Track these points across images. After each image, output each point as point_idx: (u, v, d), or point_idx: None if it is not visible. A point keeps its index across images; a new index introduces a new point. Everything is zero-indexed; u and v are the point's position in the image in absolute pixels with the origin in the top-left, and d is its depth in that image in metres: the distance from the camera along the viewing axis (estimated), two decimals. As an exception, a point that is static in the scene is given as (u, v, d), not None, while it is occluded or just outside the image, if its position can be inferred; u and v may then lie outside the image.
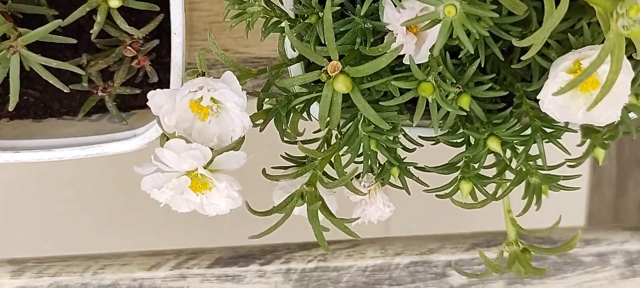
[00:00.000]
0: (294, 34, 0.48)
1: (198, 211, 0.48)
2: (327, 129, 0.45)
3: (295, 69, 0.52)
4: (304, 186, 0.47)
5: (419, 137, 0.51)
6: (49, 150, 0.54)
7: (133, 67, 0.54)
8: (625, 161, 0.96)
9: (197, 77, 0.46)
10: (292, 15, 0.49)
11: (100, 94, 0.54)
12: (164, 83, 0.58)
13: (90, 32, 0.55)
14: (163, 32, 0.56)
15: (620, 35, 0.36)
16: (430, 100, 0.44)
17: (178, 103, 0.45)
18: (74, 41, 0.50)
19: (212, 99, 0.45)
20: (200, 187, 0.45)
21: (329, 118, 0.44)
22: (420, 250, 0.76)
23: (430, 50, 0.43)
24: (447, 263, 0.76)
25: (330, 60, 0.43)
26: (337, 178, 0.48)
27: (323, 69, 0.43)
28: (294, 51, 0.51)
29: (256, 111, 0.49)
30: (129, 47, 0.52)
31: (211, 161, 0.45)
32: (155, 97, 0.45)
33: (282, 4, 0.49)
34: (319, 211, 0.47)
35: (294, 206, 0.46)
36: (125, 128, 0.56)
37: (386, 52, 0.42)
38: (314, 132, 0.52)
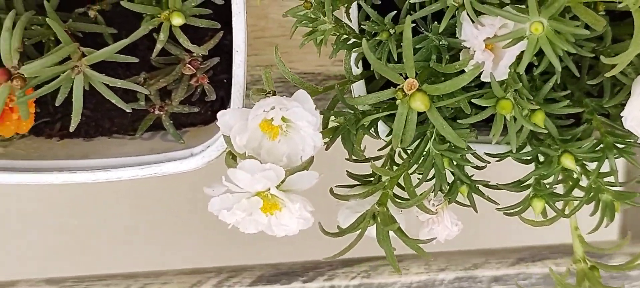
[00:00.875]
0: (362, 51, 0.47)
1: (265, 232, 0.47)
2: (399, 147, 0.45)
3: (358, 86, 0.51)
4: (376, 206, 0.46)
5: (485, 153, 0.50)
6: (106, 170, 0.53)
7: (191, 85, 0.53)
8: (661, 172, 0.95)
9: (266, 95, 0.46)
10: (358, 31, 0.48)
11: (156, 112, 0.54)
12: (217, 100, 0.57)
13: (143, 48, 0.55)
14: (218, 48, 0.55)
15: None
16: (508, 118, 0.43)
17: (250, 123, 0.44)
18: (136, 60, 0.49)
19: (282, 118, 0.44)
20: (270, 207, 0.44)
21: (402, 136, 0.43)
22: (464, 266, 0.75)
23: (511, 67, 0.42)
24: (492, 278, 0.75)
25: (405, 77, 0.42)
26: (406, 197, 0.47)
27: (399, 87, 0.42)
28: (358, 68, 0.50)
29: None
30: (189, 65, 0.51)
31: (283, 181, 0.44)
32: (225, 117, 0.44)
33: (350, 20, 0.48)
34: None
35: (367, 227, 0.45)
36: (179, 146, 0.56)
37: (465, 70, 0.42)
38: (379, 150, 0.51)
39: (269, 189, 0.44)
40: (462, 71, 0.43)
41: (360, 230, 0.45)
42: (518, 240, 0.77)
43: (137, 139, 0.59)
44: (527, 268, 0.76)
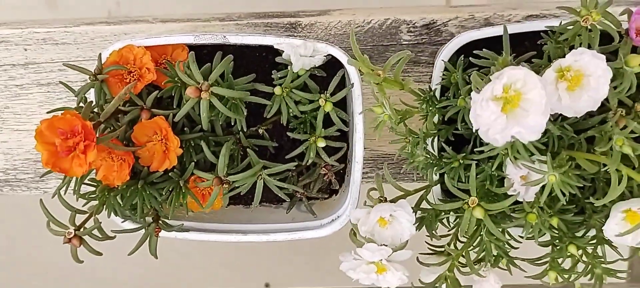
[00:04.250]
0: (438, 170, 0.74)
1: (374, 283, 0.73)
2: (464, 235, 0.71)
3: (436, 190, 0.77)
4: (447, 272, 0.72)
5: (519, 235, 0.76)
6: (267, 234, 0.80)
7: (324, 181, 0.80)
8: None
9: (379, 201, 0.72)
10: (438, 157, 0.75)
11: (300, 196, 0.81)
12: (335, 190, 0.85)
13: (287, 149, 0.82)
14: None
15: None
16: (533, 224, 0.69)
17: (371, 219, 0.70)
18: (292, 168, 0.76)
19: (390, 215, 0.71)
20: (381, 270, 0.71)
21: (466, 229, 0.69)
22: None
23: (535, 194, 0.68)
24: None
25: (469, 194, 0.68)
26: (466, 265, 0.74)
27: (465, 201, 0.68)
28: (434, 177, 0.77)
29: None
30: (324, 168, 0.78)
31: (390, 255, 0.71)
32: (355, 213, 0.71)
33: (433, 149, 0.74)
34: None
35: (442, 285, 0.72)
36: (312, 218, 0.83)
37: (508, 194, 0.68)
38: (449, 231, 0.77)
39: (381, 260, 0.71)
40: (505, 193, 0.69)
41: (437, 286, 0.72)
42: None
43: (280, 209, 0.86)
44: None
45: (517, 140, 0.62)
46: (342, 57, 0.74)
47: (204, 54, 0.79)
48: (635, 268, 1.22)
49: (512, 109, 0.58)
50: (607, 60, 0.59)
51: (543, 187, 0.66)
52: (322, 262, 1.70)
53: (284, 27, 0.90)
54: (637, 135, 0.65)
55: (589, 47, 0.62)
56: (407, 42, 0.91)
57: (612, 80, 0.61)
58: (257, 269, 1.82)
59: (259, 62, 0.82)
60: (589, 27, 0.62)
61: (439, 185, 0.78)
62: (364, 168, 0.78)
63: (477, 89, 0.58)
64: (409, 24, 0.89)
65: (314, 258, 1.74)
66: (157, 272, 1.75)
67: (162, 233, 0.77)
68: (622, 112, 0.64)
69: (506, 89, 0.57)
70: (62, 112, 0.67)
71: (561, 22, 0.66)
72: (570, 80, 0.59)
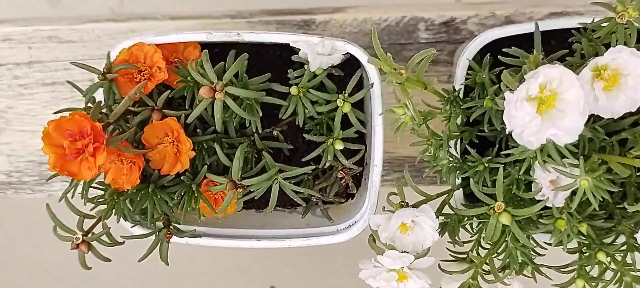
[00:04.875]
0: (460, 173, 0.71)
1: (394, 292, 0.70)
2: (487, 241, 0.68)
3: (458, 194, 0.74)
4: (470, 279, 0.69)
5: (544, 242, 0.73)
6: (282, 240, 0.77)
7: (341, 184, 0.77)
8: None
9: (400, 205, 0.69)
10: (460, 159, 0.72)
11: (315, 200, 0.78)
12: (351, 194, 0.82)
13: (302, 151, 0.79)
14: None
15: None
16: (562, 230, 0.66)
17: (392, 225, 0.67)
18: (309, 171, 0.73)
19: (412, 220, 0.68)
20: (402, 278, 0.68)
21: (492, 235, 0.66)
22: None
23: (565, 199, 0.65)
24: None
25: (494, 199, 0.65)
26: (489, 272, 0.71)
27: (491, 206, 0.65)
28: (457, 181, 0.74)
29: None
30: (342, 171, 0.75)
31: (412, 262, 0.68)
32: (375, 218, 0.68)
33: (456, 152, 0.71)
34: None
35: (466, 293, 0.69)
36: (327, 222, 0.80)
37: (536, 199, 0.65)
38: (471, 236, 0.74)
39: (403, 268, 0.68)
40: (533, 198, 0.66)
41: (461, 295, 0.69)
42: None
43: (294, 213, 0.83)
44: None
45: (548, 143, 0.59)
46: (362, 55, 0.71)
47: (215, 52, 0.76)
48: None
49: (547, 109, 0.55)
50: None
51: (574, 192, 0.64)
52: (331, 266, 1.67)
53: (298, 25, 0.87)
54: (673, 137, 0.62)
55: (625, 45, 0.59)
56: (425, 41, 0.88)
57: (648, 80, 0.58)
58: (262, 272, 1.79)
59: (273, 61, 0.79)
60: (625, 24, 0.59)
61: (461, 190, 0.75)
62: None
63: (511, 88, 0.55)
64: (427, 22, 0.86)
65: (322, 260, 1.71)
66: (160, 275, 1.72)
67: (173, 238, 0.74)
68: (657, 113, 0.61)
69: (541, 89, 0.54)
70: (71, 112, 0.64)
71: (593, 19, 0.63)
72: (608, 79, 0.56)
